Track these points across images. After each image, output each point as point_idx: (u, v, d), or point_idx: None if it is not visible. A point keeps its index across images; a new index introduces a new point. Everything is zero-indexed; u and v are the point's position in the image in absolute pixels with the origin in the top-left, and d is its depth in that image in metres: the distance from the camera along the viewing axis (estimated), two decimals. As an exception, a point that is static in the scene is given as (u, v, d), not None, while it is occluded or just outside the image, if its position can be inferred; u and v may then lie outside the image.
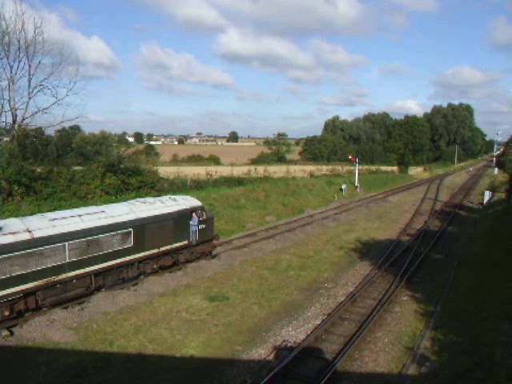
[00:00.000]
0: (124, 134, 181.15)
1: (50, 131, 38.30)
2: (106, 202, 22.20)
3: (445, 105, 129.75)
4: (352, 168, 57.68)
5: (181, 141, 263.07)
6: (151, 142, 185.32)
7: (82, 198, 25.67)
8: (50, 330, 12.63)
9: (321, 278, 18.68)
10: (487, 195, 41.08)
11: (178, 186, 33.03)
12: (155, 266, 17.56)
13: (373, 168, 75.10)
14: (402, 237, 26.66)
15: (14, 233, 12.61)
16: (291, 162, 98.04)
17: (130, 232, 15.87)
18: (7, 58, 27.14)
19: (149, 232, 16.60)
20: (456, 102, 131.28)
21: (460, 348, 11.52)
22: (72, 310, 14.03)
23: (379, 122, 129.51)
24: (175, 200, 18.84)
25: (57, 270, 13.55)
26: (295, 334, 13.04)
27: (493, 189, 46.05)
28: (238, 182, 40.05)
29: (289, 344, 12.35)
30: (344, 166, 68.86)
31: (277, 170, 51.15)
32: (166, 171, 36.47)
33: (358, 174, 50.95)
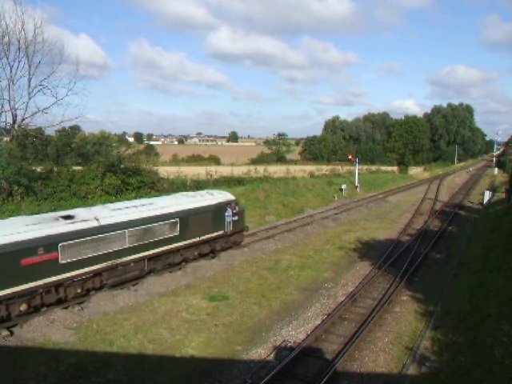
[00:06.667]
0: (124, 134, 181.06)
1: (50, 131, 38.21)
2: (105, 202, 22.20)
3: (443, 104, 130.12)
4: (352, 168, 57.70)
5: (181, 141, 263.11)
6: (151, 142, 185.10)
7: (82, 198, 25.70)
8: (50, 330, 12.63)
9: (321, 277, 18.68)
10: (487, 195, 41.04)
11: (178, 186, 33.01)
12: (196, 254, 19.30)
13: (373, 168, 75.26)
14: (402, 237, 26.64)
15: (85, 220, 14.30)
16: (291, 162, 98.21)
17: (177, 222, 17.59)
18: (7, 58, 27.15)
19: (192, 222, 18.34)
20: (454, 102, 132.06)
21: (460, 348, 11.53)
22: (72, 310, 14.04)
23: (379, 122, 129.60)
24: (212, 194, 20.73)
25: (118, 253, 15.28)
26: (295, 333, 13.03)
27: (493, 189, 46.02)
28: (237, 181, 40.10)
29: (289, 344, 12.34)
30: (344, 166, 68.99)
31: (277, 170, 51.17)
32: (166, 171, 36.49)
33: (358, 174, 50.94)
